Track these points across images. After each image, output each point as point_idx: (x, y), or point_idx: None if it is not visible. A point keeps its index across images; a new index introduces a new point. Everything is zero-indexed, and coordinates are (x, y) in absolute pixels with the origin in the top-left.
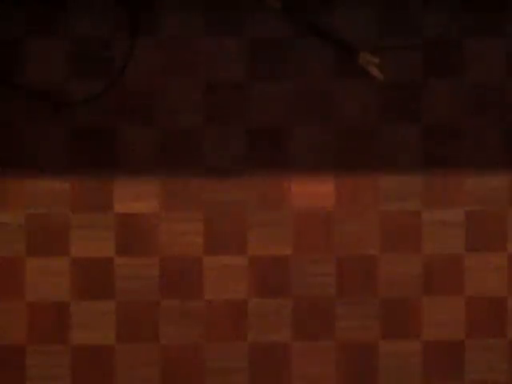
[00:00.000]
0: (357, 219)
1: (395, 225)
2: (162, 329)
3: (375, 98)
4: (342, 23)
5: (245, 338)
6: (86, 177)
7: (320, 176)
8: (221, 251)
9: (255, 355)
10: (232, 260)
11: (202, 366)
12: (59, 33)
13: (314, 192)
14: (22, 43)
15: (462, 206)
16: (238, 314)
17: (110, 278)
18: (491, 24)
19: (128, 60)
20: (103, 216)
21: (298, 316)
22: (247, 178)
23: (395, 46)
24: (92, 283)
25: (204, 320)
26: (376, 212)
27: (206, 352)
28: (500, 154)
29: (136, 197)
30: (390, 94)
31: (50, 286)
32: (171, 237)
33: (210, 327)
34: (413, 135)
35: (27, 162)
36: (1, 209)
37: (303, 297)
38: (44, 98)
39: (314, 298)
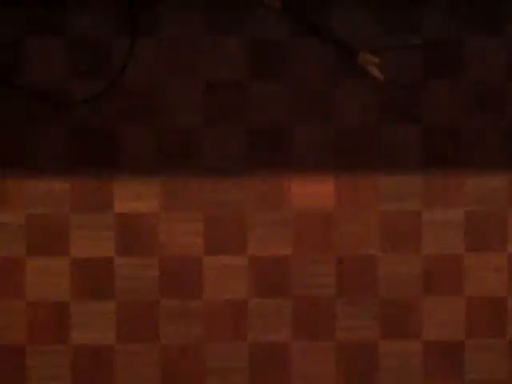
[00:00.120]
0: (357, 219)
1: (395, 225)
2: (162, 329)
3: (375, 98)
4: (341, 23)
5: (245, 337)
6: (86, 177)
7: (320, 176)
8: (221, 251)
9: (255, 355)
10: (232, 260)
11: (202, 366)
12: (59, 33)
13: (314, 192)
14: (22, 43)
15: (462, 206)
16: (237, 313)
17: (110, 278)
18: (491, 24)
19: (128, 60)
20: (103, 216)
21: (298, 316)
22: (247, 177)
23: (395, 45)
24: (92, 283)
25: (204, 320)
26: (376, 212)
27: (206, 352)
28: (500, 154)
29: (136, 197)
30: (390, 94)
31: (50, 286)
32: (171, 237)
33: (209, 327)
34: (413, 135)
35: (27, 162)
36: (1, 209)
37: (303, 297)
38: (44, 97)
39: (314, 298)
